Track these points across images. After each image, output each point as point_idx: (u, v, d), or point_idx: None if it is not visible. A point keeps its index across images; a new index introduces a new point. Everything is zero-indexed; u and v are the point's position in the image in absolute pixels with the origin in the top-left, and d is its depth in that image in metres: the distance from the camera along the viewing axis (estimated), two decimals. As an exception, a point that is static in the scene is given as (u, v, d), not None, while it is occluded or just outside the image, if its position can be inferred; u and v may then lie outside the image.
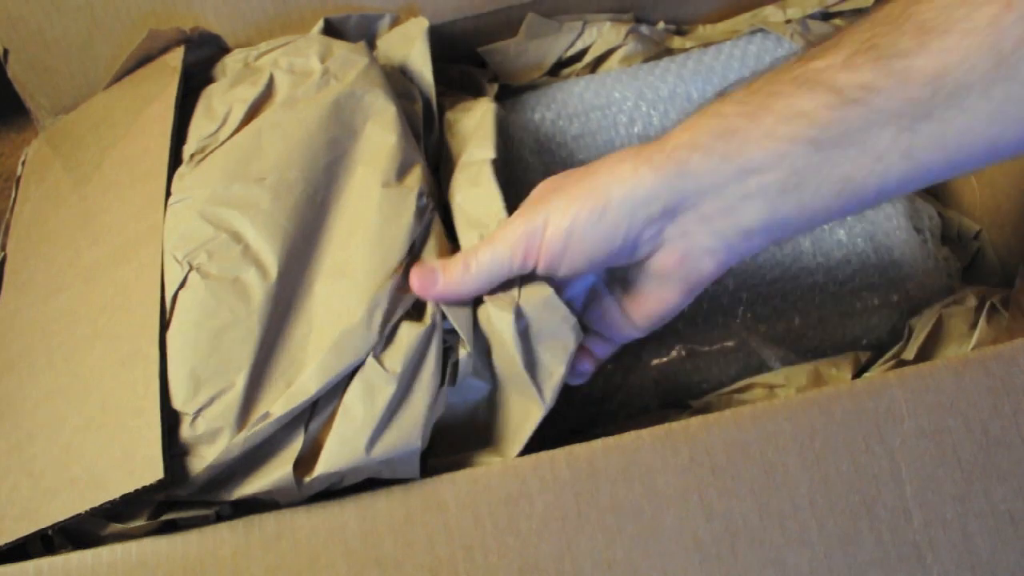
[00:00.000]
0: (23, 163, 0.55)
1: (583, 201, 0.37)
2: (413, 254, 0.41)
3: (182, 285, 0.40)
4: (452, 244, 0.44)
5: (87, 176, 0.50)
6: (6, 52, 0.55)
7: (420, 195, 0.42)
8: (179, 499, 0.38)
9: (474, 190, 0.43)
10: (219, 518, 0.38)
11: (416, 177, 0.43)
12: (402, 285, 0.40)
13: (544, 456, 0.38)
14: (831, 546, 0.36)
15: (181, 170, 0.45)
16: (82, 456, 0.38)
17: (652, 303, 0.41)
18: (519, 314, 0.38)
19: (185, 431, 0.37)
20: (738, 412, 0.38)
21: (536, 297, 0.39)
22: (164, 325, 0.39)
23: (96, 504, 0.36)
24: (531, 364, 0.39)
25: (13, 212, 0.52)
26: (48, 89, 0.56)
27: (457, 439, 0.42)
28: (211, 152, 0.45)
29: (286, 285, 0.40)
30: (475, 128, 0.47)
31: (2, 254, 0.50)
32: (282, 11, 0.55)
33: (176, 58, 0.52)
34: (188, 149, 0.45)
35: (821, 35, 0.58)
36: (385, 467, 0.38)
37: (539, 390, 0.39)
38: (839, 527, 0.36)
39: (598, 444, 0.38)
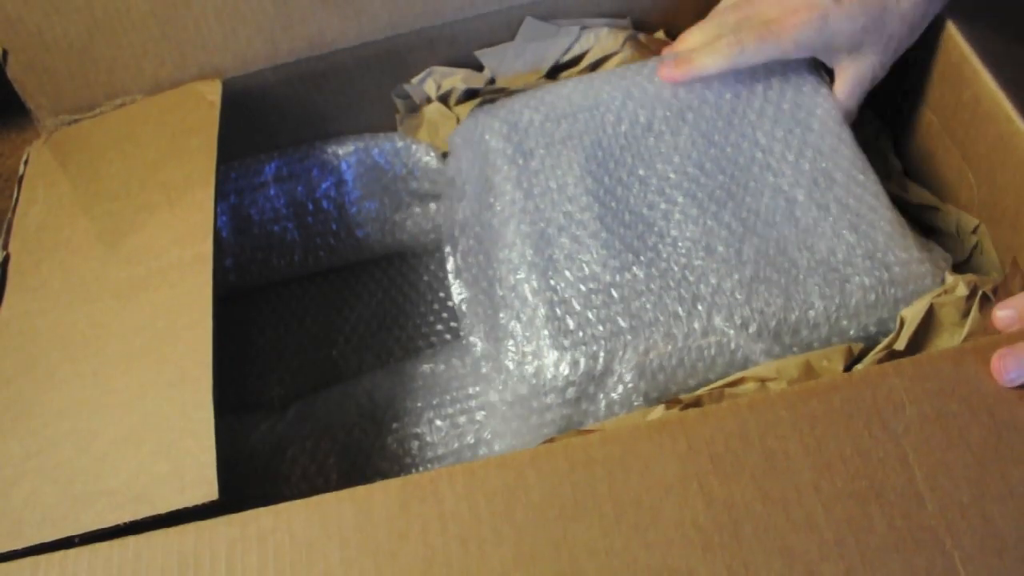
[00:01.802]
0: (26, 162, 0.56)
1: None
2: None
3: None
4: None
5: (114, 192, 0.52)
6: (5, 53, 0.55)
7: None
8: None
9: None
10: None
11: None
12: None
13: (541, 449, 0.38)
14: (841, 531, 0.35)
15: None
16: (119, 469, 0.40)
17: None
18: None
19: None
20: (734, 403, 0.38)
21: None
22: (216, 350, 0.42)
23: (139, 517, 0.38)
24: None
25: (16, 212, 0.53)
26: (48, 90, 0.57)
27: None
28: None
29: None
30: None
31: (4, 253, 0.50)
32: (283, 11, 0.55)
33: (214, 92, 0.55)
34: None
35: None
36: None
37: None
38: (847, 512, 0.35)
39: (595, 436, 0.38)
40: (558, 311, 0.49)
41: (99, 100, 0.57)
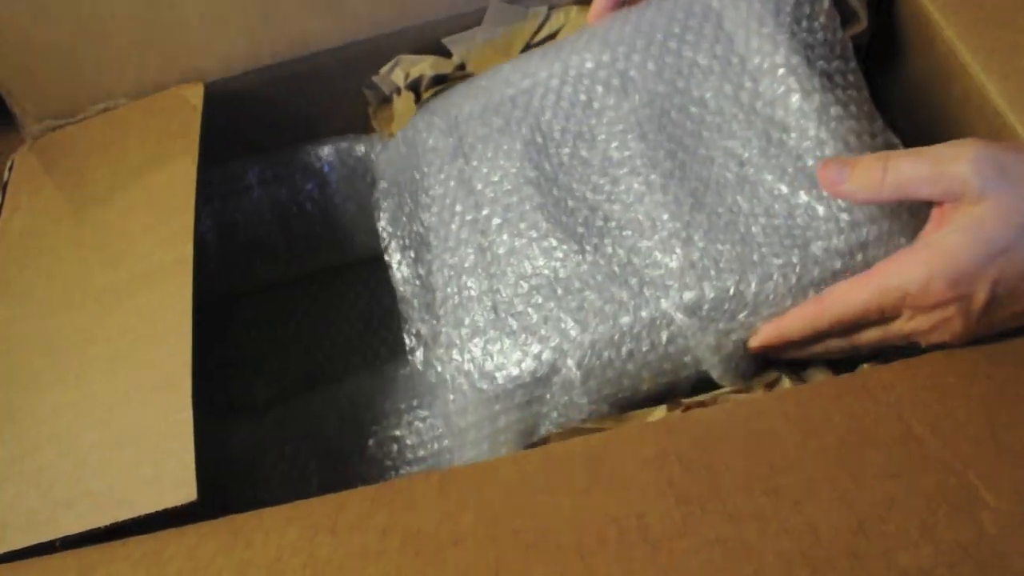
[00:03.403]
0: (10, 168, 0.56)
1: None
2: None
3: None
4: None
5: (98, 197, 0.52)
6: (-10, 58, 0.56)
7: None
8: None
9: None
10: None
11: None
12: None
13: (520, 454, 0.38)
14: (831, 470, 0.32)
15: None
16: (101, 472, 0.40)
17: None
18: None
19: None
20: (713, 407, 0.37)
21: None
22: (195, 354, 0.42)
23: (120, 519, 0.38)
24: None
25: (0, 218, 0.53)
26: (33, 95, 0.57)
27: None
28: None
29: None
30: None
31: (-13, 259, 0.51)
32: (264, 13, 0.55)
33: (196, 95, 0.55)
34: None
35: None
36: None
37: None
38: (838, 455, 0.33)
39: (576, 440, 0.37)
40: (501, 313, 0.46)
41: (84, 105, 0.58)
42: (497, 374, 0.45)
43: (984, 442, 0.32)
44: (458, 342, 0.46)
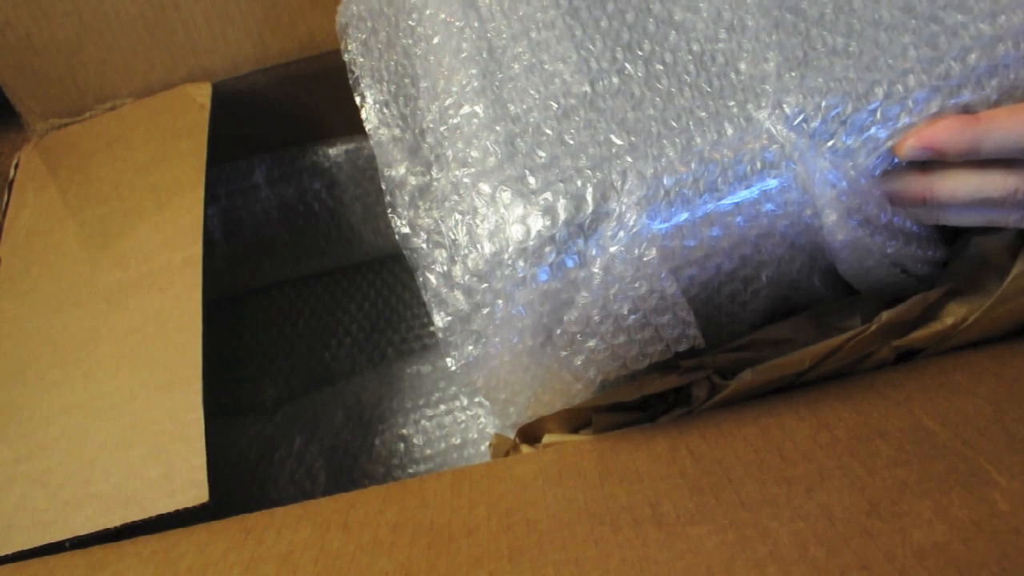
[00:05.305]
0: (16, 167, 0.56)
1: None
2: None
3: None
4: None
5: (104, 195, 0.52)
6: (-5, 57, 0.56)
7: None
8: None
9: None
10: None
11: None
12: None
13: (532, 452, 0.38)
14: (843, 460, 0.31)
15: None
16: (109, 472, 0.40)
17: None
18: None
19: None
20: (721, 410, 0.37)
21: None
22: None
23: (129, 520, 0.38)
24: None
25: (6, 216, 0.53)
26: (38, 94, 0.57)
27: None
28: None
29: None
30: None
31: (-5, 258, 0.51)
32: (272, 13, 0.55)
33: (204, 94, 0.55)
34: None
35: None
36: None
37: None
38: (850, 448, 0.32)
39: (585, 439, 0.37)
40: (521, 143, 0.34)
41: (89, 104, 0.58)
42: (518, 227, 0.32)
43: (994, 433, 0.32)
44: (461, 191, 0.34)
